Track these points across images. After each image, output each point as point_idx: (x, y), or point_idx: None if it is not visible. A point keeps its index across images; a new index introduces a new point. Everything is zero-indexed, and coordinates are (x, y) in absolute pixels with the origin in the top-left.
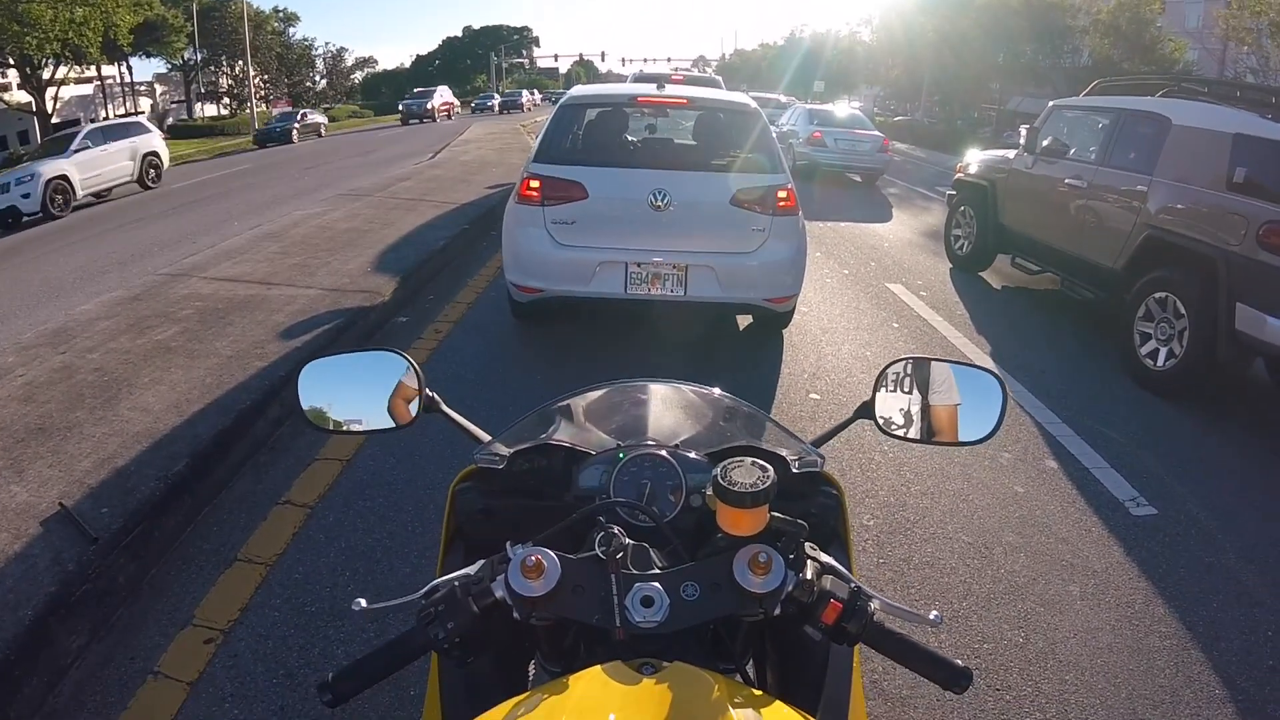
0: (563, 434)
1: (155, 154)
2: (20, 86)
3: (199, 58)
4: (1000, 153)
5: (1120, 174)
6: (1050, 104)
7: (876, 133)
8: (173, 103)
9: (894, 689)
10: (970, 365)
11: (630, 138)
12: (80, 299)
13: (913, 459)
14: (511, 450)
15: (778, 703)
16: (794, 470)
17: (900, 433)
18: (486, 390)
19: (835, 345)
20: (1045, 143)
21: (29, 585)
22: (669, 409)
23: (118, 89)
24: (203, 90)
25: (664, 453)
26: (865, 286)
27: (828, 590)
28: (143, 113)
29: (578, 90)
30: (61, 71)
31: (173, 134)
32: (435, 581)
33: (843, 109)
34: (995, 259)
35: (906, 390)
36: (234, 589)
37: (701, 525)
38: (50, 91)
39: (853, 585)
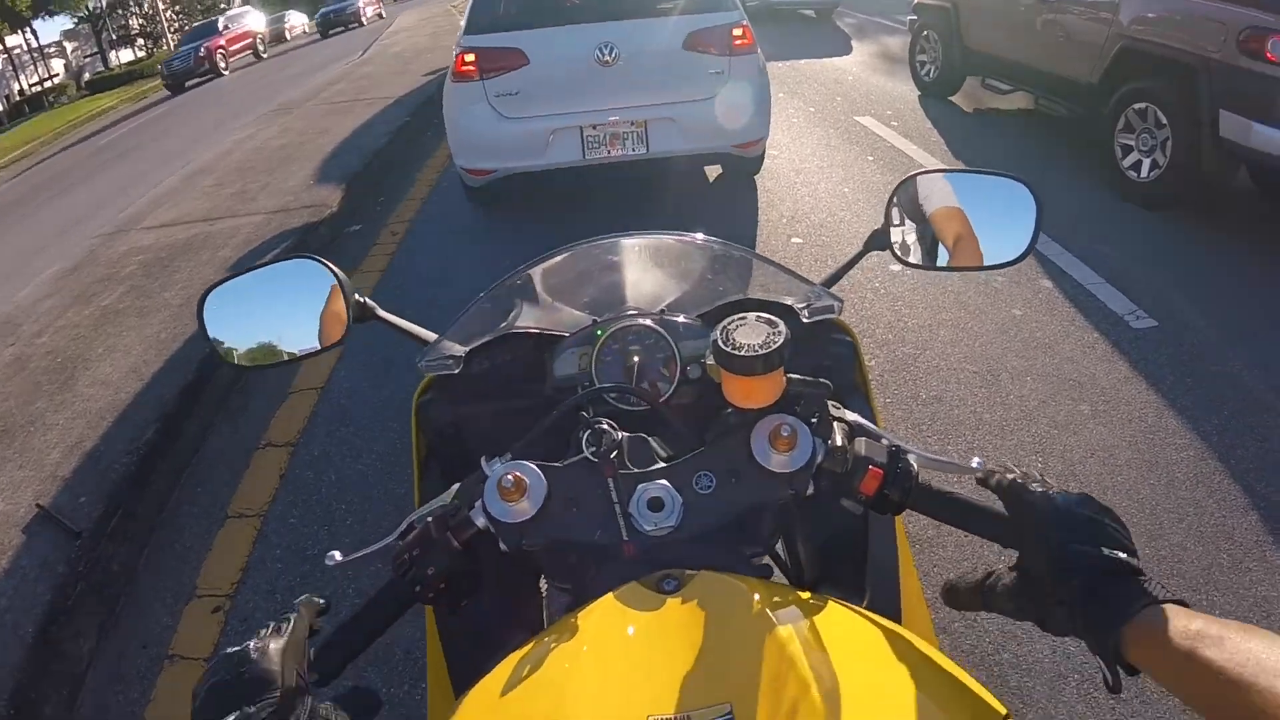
0: (526, 318)
1: None
2: None
3: (104, 4)
4: None
5: None
6: None
7: None
8: (86, 56)
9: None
10: (993, 174)
11: None
12: (22, 281)
13: (905, 290)
14: (466, 349)
15: (829, 601)
16: (805, 320)
17: (920, 260)
18: (453, 287)
19: (811, 186)
20: None
21: (24, 598)
22: (647, 268)
23: (26, 57)
24: (114, 37)
25: (648, 321)
26: (834, 122)
27: (863, 456)
28: (57, 75)
29: None
30: None
31: (91, 88)
32: (409, 518)
33: None
34: (964, 82)
35: (923, 212)
36: (231, 549)
37: (704, 400)
38: None
39: (889, 444)
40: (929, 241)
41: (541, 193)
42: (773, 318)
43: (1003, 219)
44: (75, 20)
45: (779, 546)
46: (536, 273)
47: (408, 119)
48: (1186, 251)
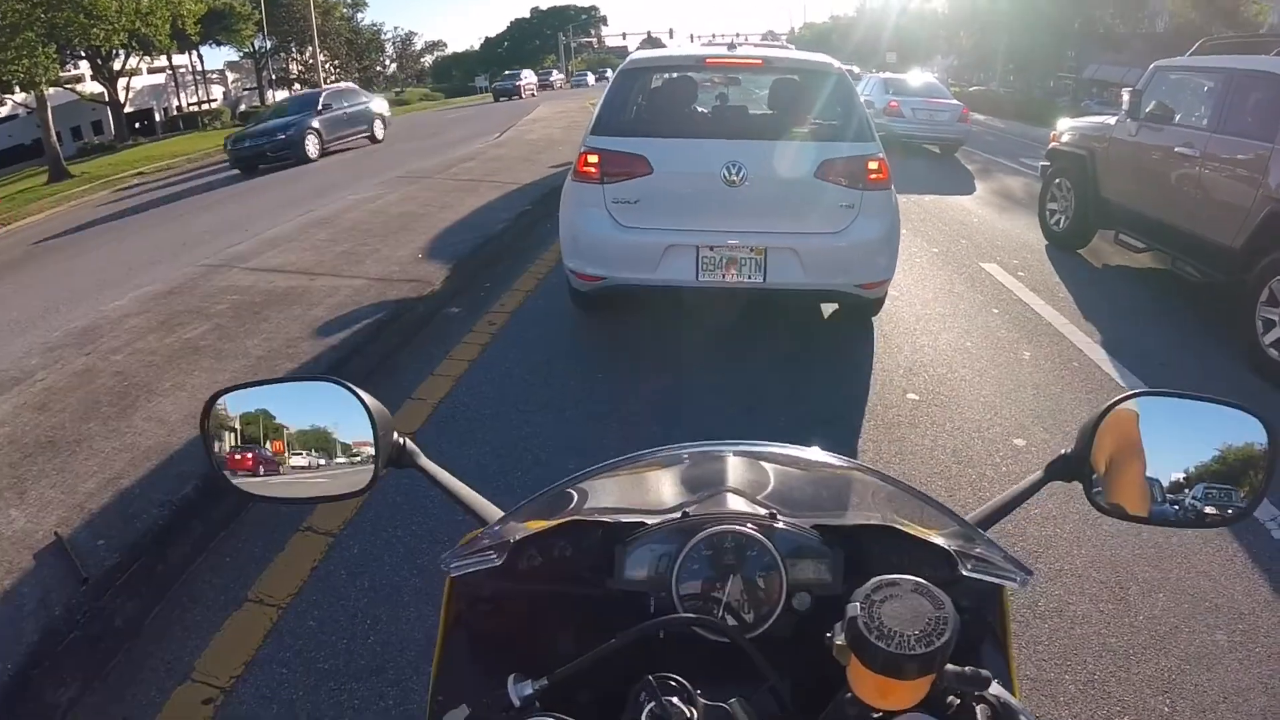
0: (597, 503)
1: None
2: (93, 78)
3: (268, 45)
4: (1098, 119)
5: (1236, 141)
6: (1153, 65)
7: (955, 101)
8: (244, 89)
9: None
10: (1221, 403)
11: (699, 108)
12: (122, 291)
13: (1025, 471)
14: (516, 537)
15: None
16: (965, 573)
17: (1125, 508)
18: (544, 390)
19: (931, 335)
20: (1149, 107)
21: (13, 631)
22: (755, 464)
23: (189, 78)
24: (274, 77)
25: (752, 529)
26: (958, 267)
27: None
28: (215, 100)
29: (640, 53)
30: (132, 62)
31: (243, 119)
32: None
33: (918, 78)
34: (1095, 235)
35: (1128, 442)
36: (240, 637)
37: (806, 641)
38: (121, 82)
39: None
40: (1139, 483)
41: (647, 309)
42: (936, 592)
43: (1220, 460)
44: (240, 54)
45: None
46: (622, 469)
47: (528, 207)
48: None
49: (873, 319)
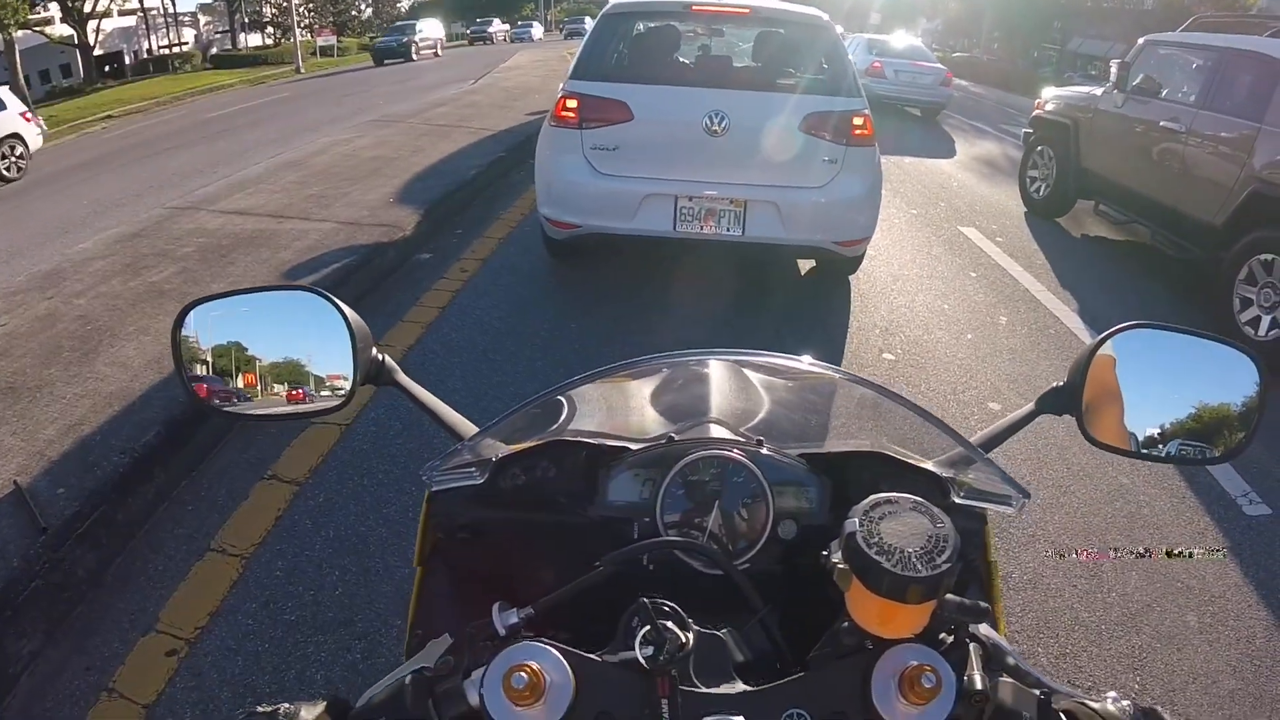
0: (581, 425)
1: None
2: (62, 20)
3: None
4: (1083, 89)
5: (1223, 119)
6: (1143, 39)
7: (939, 65)
8: (216, 33)
9: None
10: (1217, 340)
11: (682, 59)
12: (88, 234)
13: (972, 423)
14: (498, 456)
15: None
16: (958, 501)
17: (1113, 440)
18: (514, 343)
19: (908, 296)
20: (1137, 80)
21: None
22: (740, 385)
23: (161, 20)
24: (247, 20)
25: (738, 454)
26: (936, 229)
27: (1009, 708)
28: (186, 43)
29: None
30: (102, 4)
31: (216, 64)
32: (371, 691)
33: (902, 39)
34: (1075, 204)
35: (1122, 376)
36: (205, 587)
37: (793, 567)
38: (91, 24)
39: (1042, 691)
40: (1122, 416)
41: (622, 258)
42: (935, 510)
43: (1212, 400)
44: None
45: None
46: (606, 381)
47: (502, 154)
48: None
49: (850, 277)
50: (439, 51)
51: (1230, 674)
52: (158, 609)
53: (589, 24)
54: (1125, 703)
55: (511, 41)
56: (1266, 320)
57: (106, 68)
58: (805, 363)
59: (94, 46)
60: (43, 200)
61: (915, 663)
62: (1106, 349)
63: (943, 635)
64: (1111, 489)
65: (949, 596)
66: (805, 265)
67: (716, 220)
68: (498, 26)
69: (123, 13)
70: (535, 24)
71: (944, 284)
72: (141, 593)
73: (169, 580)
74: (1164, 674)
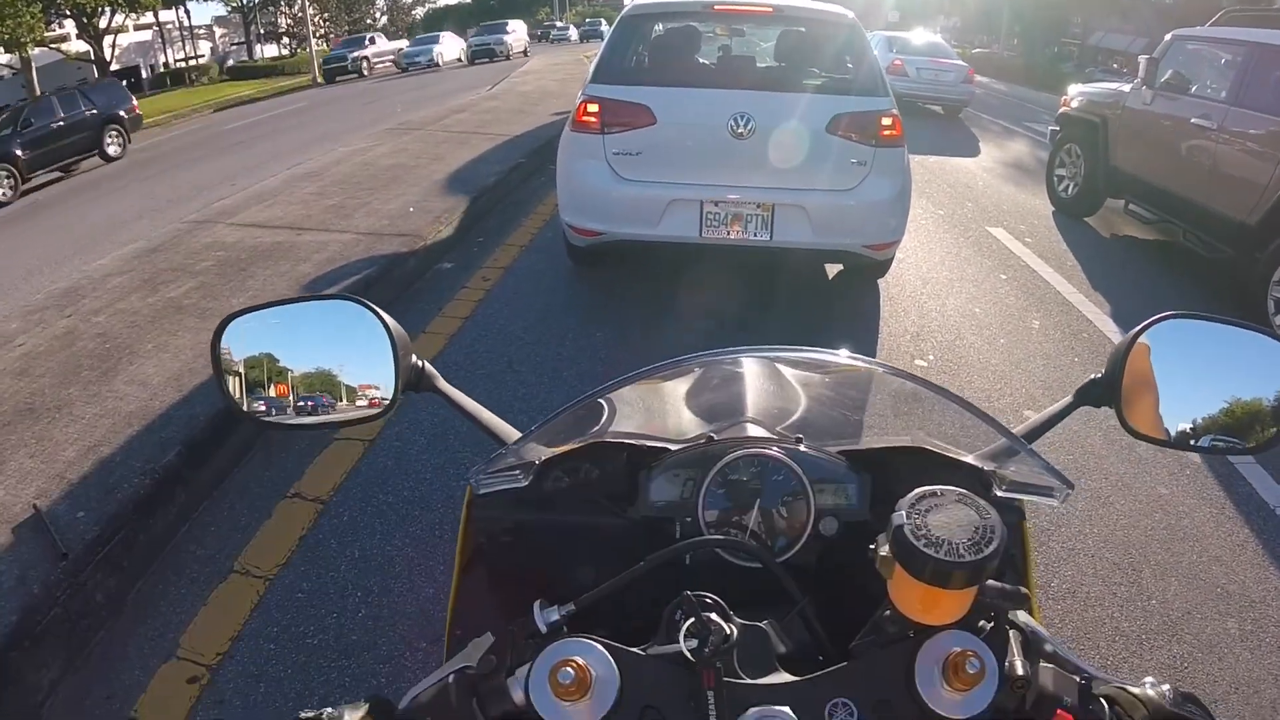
0: (621, 427)
1: None
2: (78, 36)
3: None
4: (1111, 86)
5: (1256, 116)
6: (1171, 34)
7: (961, 62)
8: (232, 45)
9: None
10: (1253, 329)
11: (703, 60)
12: (107, 249)
13: (1042, 443)
14: (541, 458)
15: None
16: (1000, 494)
17: (1150, 430)
18: (538, 349)
19: (939, 299)
20: (1166, 76)
21: None
22: (777, 383)
23: (176, 34)
24: (262, 31)
25: (778, 452)
26: (964, 230)
27: (1051, 693)
28: (202, 56)
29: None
30: (118, 19)
31: (233, 75)
32: (414, 691)
33: (922, 36)
34: (1104, 203)
35: (1159, 366)
36: (226, 611)
37: (834, 564)
38: (108, 40)
39: (1082, 678)
40: (1158, 406)
41: (646, 265)
42: (980, 501)
43: (1246, 394)
44: (229, 9)
45: None
46: (644, 382)
47: (522, 160)
48: None
49: (878, 281)
50: (463, 58)
51: (1272, 682)
52: (178, 635)
53: (605, 27)
54: (1165, 687)
55: (553, 42)
56: None
57: (124, 82)
58: (844, 356)
59: (111, 62)
60: (60, 217)
61: (959, 649)
62: (1144, 340)
63: (982, 623)
64: (1149, 499)
65: (990, 582)
66: (833, 269)
67: (743, 225)
68: (515, 35)
69: (138, 27)
70: (571, 26)
71: (974, 287)
72: (163, 618)
73: (190, 605)
74: (1206, 683)
